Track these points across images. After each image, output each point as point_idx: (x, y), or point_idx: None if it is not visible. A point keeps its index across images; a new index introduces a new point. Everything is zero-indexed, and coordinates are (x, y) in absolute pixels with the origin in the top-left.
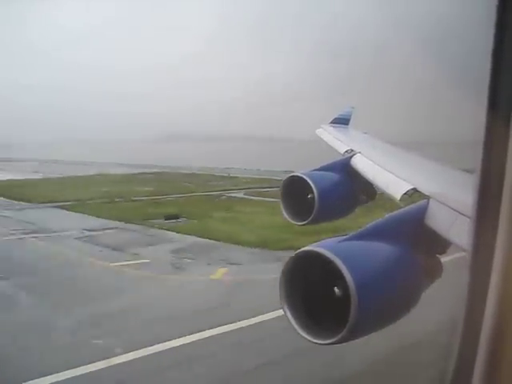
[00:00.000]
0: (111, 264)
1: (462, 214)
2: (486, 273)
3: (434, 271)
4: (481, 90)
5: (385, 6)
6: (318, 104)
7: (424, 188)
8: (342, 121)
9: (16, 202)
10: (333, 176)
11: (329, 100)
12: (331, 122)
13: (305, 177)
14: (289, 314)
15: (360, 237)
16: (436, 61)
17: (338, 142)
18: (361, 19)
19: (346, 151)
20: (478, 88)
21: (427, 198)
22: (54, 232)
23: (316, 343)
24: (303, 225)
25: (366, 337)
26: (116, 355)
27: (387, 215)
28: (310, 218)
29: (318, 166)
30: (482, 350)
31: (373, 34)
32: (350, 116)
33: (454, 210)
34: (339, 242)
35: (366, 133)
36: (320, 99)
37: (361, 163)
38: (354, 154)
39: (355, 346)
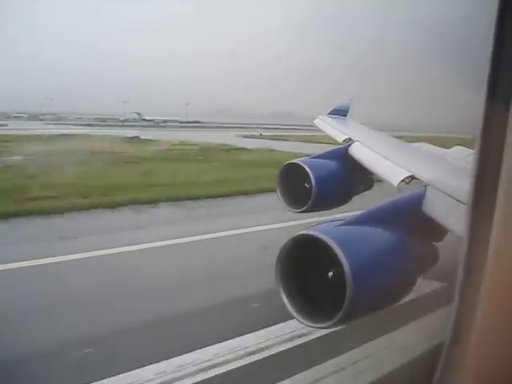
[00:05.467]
0: None
1: (459, 202)
2: (482, 260)
3: (430, 258)
4: (479, 81)
5: (387, 6)
6: None
7: (421, 175)
8: (340, 112)
9: None
10: (330, 164)
11: None
12: (329, 113)
13: (302, 164)
14: (284, 298)
15: (357, 222)
16: (437, 56)
17: (336, 131)
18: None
19: (344, 140)
20: (476, 78)
21: (425, 185)
22: None
23: (311, 327)
24: (299, 212)
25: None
26: None
27: (385, 201)
28: (306, 206)
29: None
30: (476, 336)
31: (378, 32)
32: (349, 107)
33: (451, 198)
34: (336, 226)
35: (363, 124)
36: None
37: (359, 151)
38: (352, 143)
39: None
